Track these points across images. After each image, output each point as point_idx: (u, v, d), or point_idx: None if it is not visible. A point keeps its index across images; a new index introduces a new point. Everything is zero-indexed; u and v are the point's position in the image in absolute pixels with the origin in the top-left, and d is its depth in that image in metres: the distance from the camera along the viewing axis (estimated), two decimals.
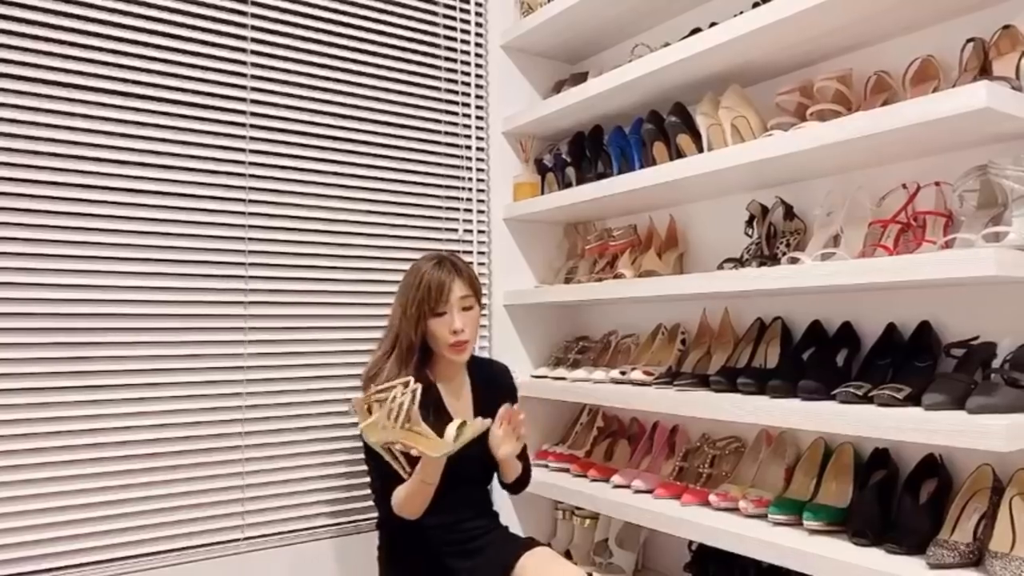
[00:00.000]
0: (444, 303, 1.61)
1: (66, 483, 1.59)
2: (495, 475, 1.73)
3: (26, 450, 1.56)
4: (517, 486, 1.75)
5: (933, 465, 1.46)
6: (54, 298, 1.61)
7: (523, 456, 1.73)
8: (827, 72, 1.64)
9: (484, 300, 2.23)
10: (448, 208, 2.20)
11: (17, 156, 1.58)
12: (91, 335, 1.64)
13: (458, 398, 1.72)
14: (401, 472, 1.49)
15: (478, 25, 2.30)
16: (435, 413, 1.61)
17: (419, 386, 1.46)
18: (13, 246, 1.57)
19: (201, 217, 1.79)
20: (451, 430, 1.44)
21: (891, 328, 1.55)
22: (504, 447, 1.61)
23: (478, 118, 2.28)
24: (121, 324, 1.68)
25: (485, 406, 1.68)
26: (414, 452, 1.43)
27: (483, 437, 1.65)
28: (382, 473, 1.57)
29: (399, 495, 1.56)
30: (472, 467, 1.65)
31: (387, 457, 1.47)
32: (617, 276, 2.01)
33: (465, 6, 2.27)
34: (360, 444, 1.65)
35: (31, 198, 1.59)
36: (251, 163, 1.86)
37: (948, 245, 1.33)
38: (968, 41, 1.43)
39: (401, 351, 1.63)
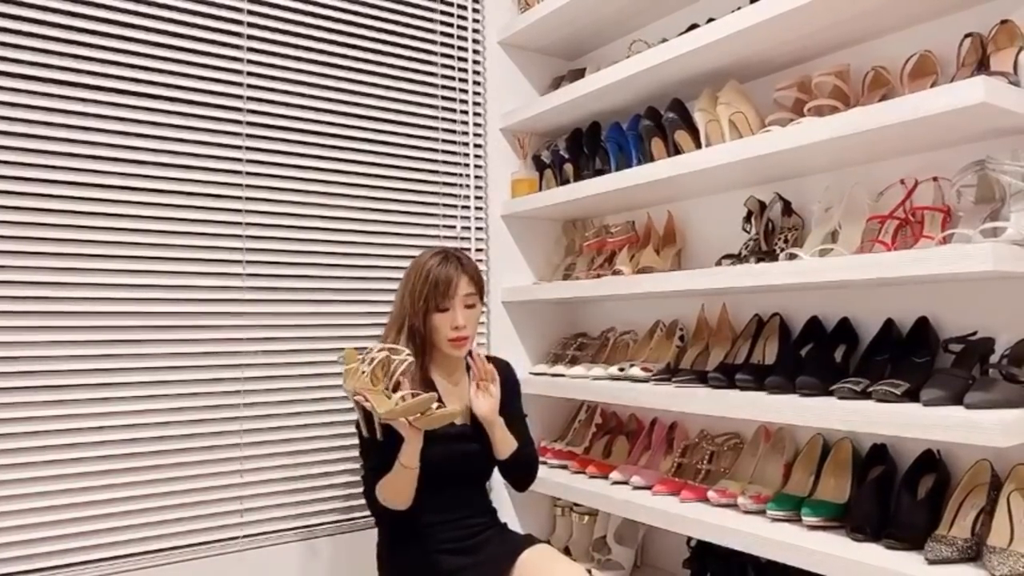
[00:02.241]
0: (449, 299, 1.62)
1: (59, 482, 1.59)
2: (494, 471, 1.73)
3: (20, 449, 1.55)
4: (518, 473, 1.72)
5: (931, 460, 1.46)
6: (42, 296, 1.60)
7: (525, 442, 1.72)
8: (825, 68, 1.64)
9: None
10: (446, 205, 2.20)
11: (19, 154, 1.58)
12: (86, 333, 1.64)
13: (455, 394, 1.71)
14: (364, 428, 1.51)
15: (475, 21, 2.29)
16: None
17: (411, 359, 1.52)
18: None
19: (198, 215, 1.78)
20: (397, 395, 1.46)
21: (889, 324, 1.55)
22: (478, 403, 1.64)
23: (476, 114, 2.28)
24: (116, 322, 1.67)
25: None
26: (367, 405, 1.46)
27: (480, 436, 1.65)
28: (372, 465, 1.58)
29: (382, 483, 1.56)
30: (469, 464, 1.66)
31: (357, 412, 1.51)
32: (615, 272, 2.00)
33: (463, 2, 2.26)
34: (357, 442, 1.65)
35: (25, 192, 1.59)
36: (248, 160, 1.85)
37: (946, 240, 1.33)
38: (966, 36, 1.43)
39: (414, 338, 1.64)
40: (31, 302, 1.58)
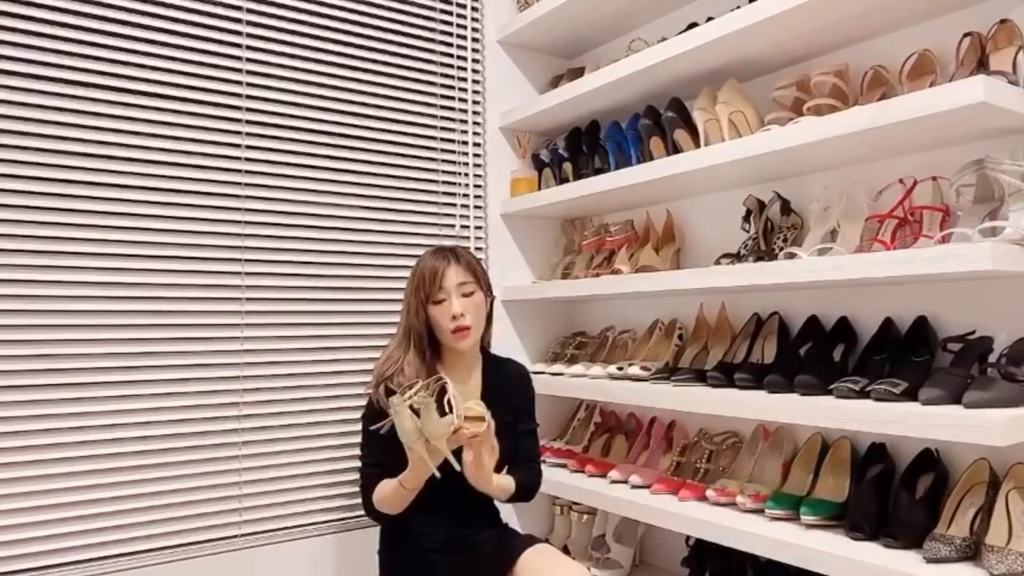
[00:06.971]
0: (440, 289, 1.61)
1: (56, 480, 1.59)
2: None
3: (13, 448, 1.55)
4: (519, 499, 1.68)
5: (930, 459, 1.46)
6: (38, 294, 1.59)
7: (529, 463, 1.70)
8: (824, 67, 1.64)
9: None
10: (445, 203, 2.20)
11: (17, 153, 1.58)
12: (83, 332, 1.63)
13: (466, 394, 1.69)
14: (456, 464, 1.43)
15: (475, 20, 2.29)
16: (440, 403, 1.60)
17: (446, 380, 1.47)
18: None
19: (196, 213, 1.78)
20: (477, 407, 1.45)
21: (888, 323, 1.56)
22: (467, 469, 1.48)
23: (475, 113, 2.27)
24: (114, 320, 1.67)
25: (491, 400, 1.65)
26: (467, 432, 1.41)
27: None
28: (374, 462, 1.58)
29: (381, 492, 1.56)
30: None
31: (426, 454, 1.40)
32: (614, 271, 2.00)
33: (462, 0, 2.26)
34: (357, 440, 1.65)
35: (17, 190, 1.59)
36: (247, 159, 1.85)
37: (945, 240, 1.33)
38: (965, 35, 1.43)
39: (417, 345, 1.63)
40: (29, 300, 1.58)
